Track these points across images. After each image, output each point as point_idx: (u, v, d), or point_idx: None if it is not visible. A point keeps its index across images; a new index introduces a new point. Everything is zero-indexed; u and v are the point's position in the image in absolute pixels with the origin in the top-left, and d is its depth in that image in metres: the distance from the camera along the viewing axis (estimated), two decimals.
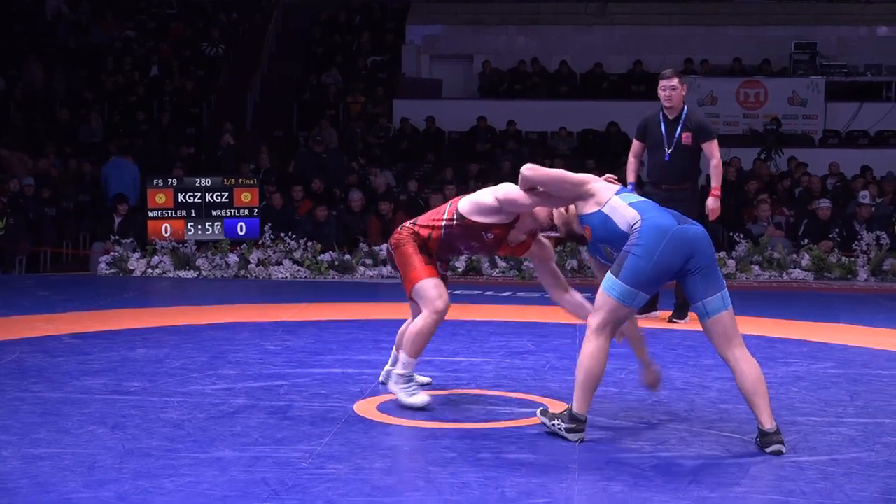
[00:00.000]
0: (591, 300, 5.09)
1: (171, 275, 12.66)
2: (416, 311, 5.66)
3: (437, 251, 5.58)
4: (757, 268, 12.79)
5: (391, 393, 5.62)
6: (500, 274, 12.70)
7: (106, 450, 4.65)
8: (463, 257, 12.90)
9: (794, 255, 12.99)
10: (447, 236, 5.52)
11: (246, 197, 13.29)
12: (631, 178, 8.80)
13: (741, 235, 13.24)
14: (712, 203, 8.55)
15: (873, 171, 17.29)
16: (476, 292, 11.07)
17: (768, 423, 4.79)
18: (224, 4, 23.45)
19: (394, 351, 5.94)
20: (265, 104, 21.18)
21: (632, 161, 8.90)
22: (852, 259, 12.86)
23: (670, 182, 8.61)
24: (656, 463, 4.57)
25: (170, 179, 13.55)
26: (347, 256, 12.92)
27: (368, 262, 12.85)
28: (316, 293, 11.07)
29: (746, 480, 4.36)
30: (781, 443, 4.77)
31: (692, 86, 20.14)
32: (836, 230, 13.56)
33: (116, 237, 13.52)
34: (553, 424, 5.00)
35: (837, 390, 6.19)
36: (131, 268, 12.84)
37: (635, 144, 8.93)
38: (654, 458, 4.64)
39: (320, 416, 5.34)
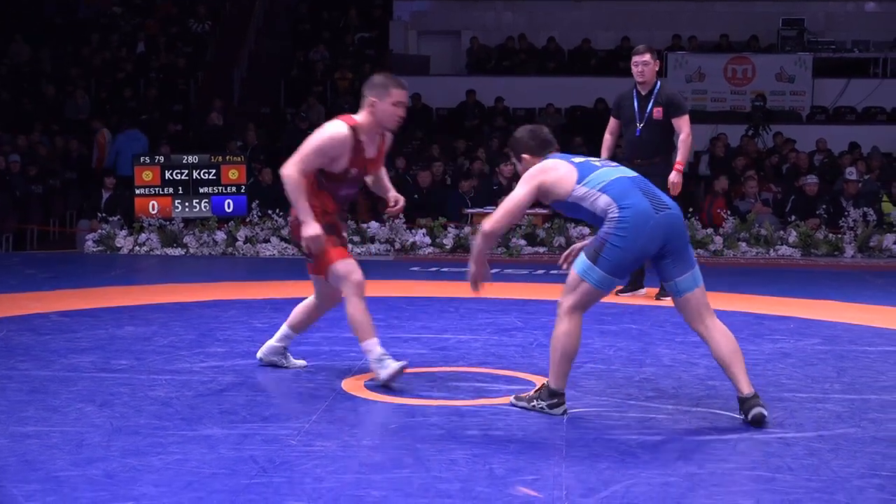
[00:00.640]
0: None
1: (158, 252, 12.64)
2: (320, 290, 5.79)
3: (336, 208, 5.67)
4: (744, 244, 12.82)
5: (371, 371, 5.57)
6: (488, 252, 12.67)
7: (94, 428, 4.64)
8: (450, 235, 12.90)
9: (782, 232, 13.03)
10: (329, 191, 5.59)
11: (233, 174, 13.26)
12: (604, 154, 8.86)
13: (728, 212, 13.27)
14: (674, 177, 8.56)
15: (861, 148, 17.33)
16: (464, 270, 11.01)
17: (746, 389, 4.83)
18: None
19: (284, 326, 5.95)
20: (252, 81, 21.09)
21: (607, 138, 8.95)
22: (839, 236, 12.89)
23: (642, 157, 8.66)
24: (644, 440, 4.58)
25: (157, 157, 13.52)
26: None
27: (356, 239, 12.83)
28: (303, 271, 11.00)
29: (734, 457, 4.38)
30: (762, 405, 4.80)
31: (680, 62, 20.16)
32: (823, 207, 13.59)
33: (104, 215, 13.49)
34: (533, 405, 5.01)
35: (824, 367, 6.22)
36: (118, 245, 12.82)
37: (611, 121, 9.00)
38: (641, 435, 4.65)
39: (308, 394, 5.34)
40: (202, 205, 13.16)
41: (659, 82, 8.82)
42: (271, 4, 23.18)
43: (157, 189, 13.12)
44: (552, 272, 10.38)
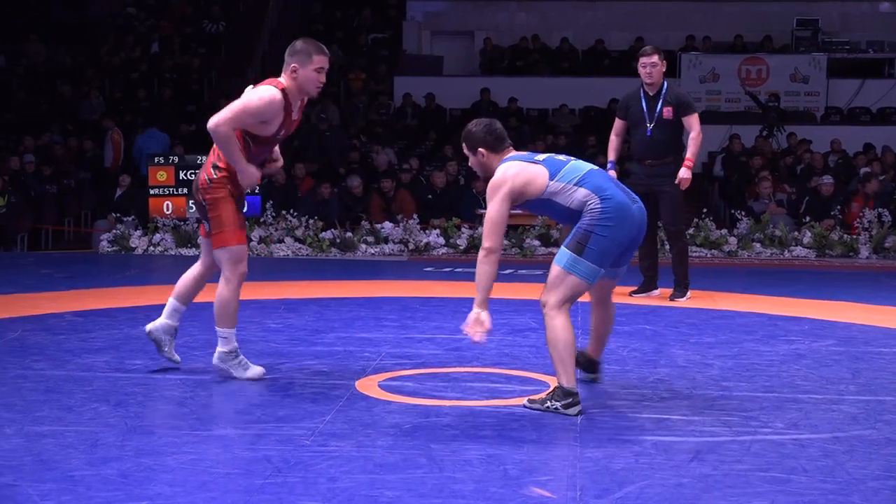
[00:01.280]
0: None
1: (172, 252, 12.67)
2: (206, 262, 5.76)
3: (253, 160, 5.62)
4: (758, 245, 12.79)
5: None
6: (502, 252, 12.68)
7: (109, 427, 4.65)
8: (464, 235, 12.90)
9: (796, 233, 12.99)
10: (250, 156, 5.55)
11: None
12: (612, 156, 8.93)
13: (743, 213, 13.24)
14: (684, 172, 8.59)
15: (875, 149, 17.27)
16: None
17: (598, 356, 5.57)
18: None
19: (171, 299, 5.82)
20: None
21: (613, 139, 9.00)
22: (854, 236, 12.85)
23: (654, 157, 8.73)
24: (658, 441, 4.57)
25: (171, 157, 13.55)
26: (349, 234, 12.92)
27: (370, 239, 12.85)
28: (317, 271, 11.08)
29: (748, 458, 4.37)
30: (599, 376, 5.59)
31: (694, 62, 20.13)
32: (838, 207, 13.54)
33: (117, 215, 13.52)
34: (547, 407, 5.00)
35: (839, 368, 6.20)
36: (133, 245, 12.85)
37: (617, 123, 9.05)
38: (655, 436, 4.64)
39: (322, 394, 5.35)
40: None
41: (666, 83, 8.84)
42: (285, 4, 23.20)
43: (171, 189, 13.14)
44: None
